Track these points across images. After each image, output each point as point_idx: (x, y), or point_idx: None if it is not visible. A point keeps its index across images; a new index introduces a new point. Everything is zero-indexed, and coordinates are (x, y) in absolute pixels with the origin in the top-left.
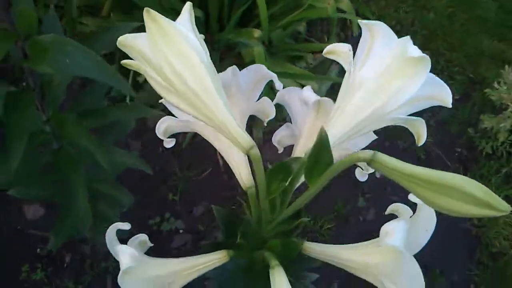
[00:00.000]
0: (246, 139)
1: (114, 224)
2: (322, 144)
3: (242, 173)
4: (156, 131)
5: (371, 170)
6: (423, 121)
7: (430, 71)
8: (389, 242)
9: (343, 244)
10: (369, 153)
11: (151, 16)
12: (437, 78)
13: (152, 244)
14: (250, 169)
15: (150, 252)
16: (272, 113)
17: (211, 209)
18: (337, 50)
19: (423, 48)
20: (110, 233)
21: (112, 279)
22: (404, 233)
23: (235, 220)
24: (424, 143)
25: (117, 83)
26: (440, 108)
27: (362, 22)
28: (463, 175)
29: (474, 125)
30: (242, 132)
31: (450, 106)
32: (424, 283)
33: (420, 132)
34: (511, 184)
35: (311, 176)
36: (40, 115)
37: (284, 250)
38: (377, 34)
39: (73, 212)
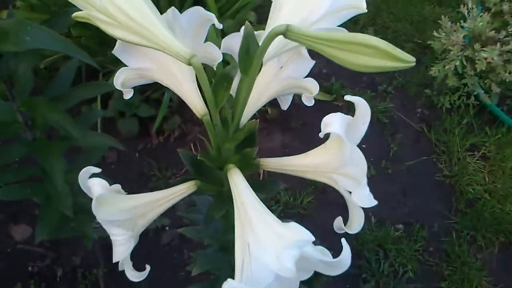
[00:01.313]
0: (186, 50)
1: (86, 168)
2: (248, 34)
3: (196, 102)
4: (114, 84)
5: (315, 93)
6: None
7: None
8: (329, 130)
9: (325, 214)
10: (283, 26)
11: None
12: None
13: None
14: (202, 99)
15: (141, 251)
16: (218, 57)
17: (193, 202)
18: None
19: (370, 24)
20: (83, 176)
21: (105, 286)
22: (342, 122)
23: (201, 160)
24: (385, 109)
25: (75, 53)
26: (396, 75)
27: None
28: (427, 132)
29: (430, 85)
30: (181, 45)
31: (365, 10)
32: (366, 166)
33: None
34: (474, 133)
35: (245, 65)
36: (11, 105)
37: (242, 161)
38: None
39: (53, 195)
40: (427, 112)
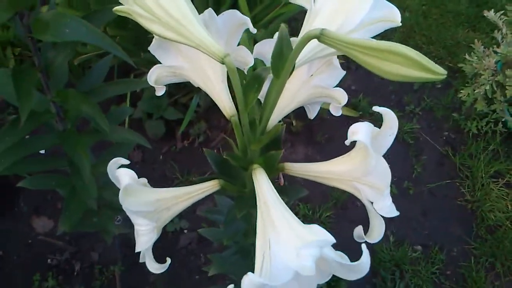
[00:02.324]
0: (220, 49)
1: (115, 158)
2: (283, 37)
3: (225, 103)
4: (148, 80)
5: (344, 103)
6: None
7: None
8: (355, 138)
9: (343, 230)
10: (317, 29)
11: None
12: (385, 1)
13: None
14: (232, 100)
15: (158, 252)
16: (250, 61)
17: (213, 207)
18: None
19: (402, 43)
20: (112, 166)
21: (121, 284)
22: (368, 131)
23: (226, 160)
24: (411, 129)
25: (111, 48)
26: (424, 96)
27: None
28: (452, 156)
29: (458, 109)
30: (216, 44)
31: (400, 23)
32: (390, 177)
33: None
34: (500, 160)
35: (277, 68)
36: (45, 95)
37: (266, 163)
38: None
39: (79, 187)
40: (453, 136)
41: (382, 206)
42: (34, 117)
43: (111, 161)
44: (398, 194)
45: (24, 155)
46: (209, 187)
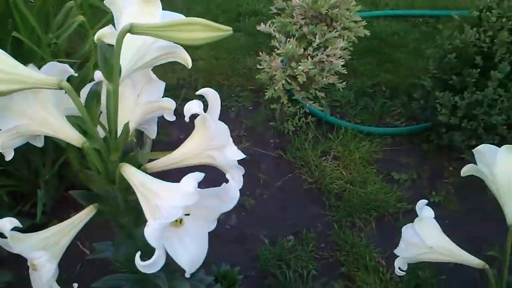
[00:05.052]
0: (52, 78)
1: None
2: (101, 46)
3: (73, 135)
4: None
5: (173, 108)
6: (181, 47)
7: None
8: (191, 112)
9: None
10: (127, 25)
11: None
12: (171, 12)
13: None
14: (76, 131)
15: None
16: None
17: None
18: (104, 33)
19: (207, 86)
20: None
21: None
22: (199, 105)
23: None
24: (243, 148)
25: None
26: (243, 119)
27: None
28: (284, 155)
29: (272, 119)
30: (45, 77)
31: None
32: (229, 132)
33: (185, 57)
34: (321, 142)
35: (107, 71)
36: None
37: (130, 163)
38: None
39: None
40: (278, 140)
41: (231, 153)
42: None
43: None
44: (255, 202)
45: None
46: (87, 213)
